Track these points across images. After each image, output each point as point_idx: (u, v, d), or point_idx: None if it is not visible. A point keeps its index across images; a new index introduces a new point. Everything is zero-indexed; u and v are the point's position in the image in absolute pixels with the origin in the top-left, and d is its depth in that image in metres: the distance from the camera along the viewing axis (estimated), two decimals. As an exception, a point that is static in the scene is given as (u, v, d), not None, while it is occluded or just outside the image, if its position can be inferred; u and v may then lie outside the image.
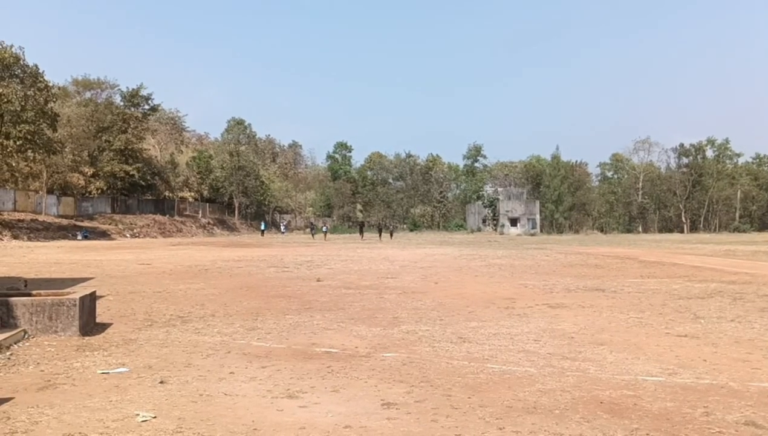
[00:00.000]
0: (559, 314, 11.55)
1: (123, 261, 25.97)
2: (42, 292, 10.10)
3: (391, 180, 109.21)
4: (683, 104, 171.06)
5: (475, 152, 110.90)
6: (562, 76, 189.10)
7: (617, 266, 23.71)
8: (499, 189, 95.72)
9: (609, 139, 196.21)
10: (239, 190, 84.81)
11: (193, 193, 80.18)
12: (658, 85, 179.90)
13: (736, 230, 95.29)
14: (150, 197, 73.06)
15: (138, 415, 5.29)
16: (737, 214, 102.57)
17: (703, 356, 7.92)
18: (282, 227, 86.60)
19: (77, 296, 9.36)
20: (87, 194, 62.36)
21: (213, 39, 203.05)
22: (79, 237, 50.47)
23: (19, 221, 48.90)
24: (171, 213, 72.69)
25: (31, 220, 50.74)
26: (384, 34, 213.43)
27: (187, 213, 78.11)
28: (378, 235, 59.74)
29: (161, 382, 6.49)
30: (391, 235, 58.93)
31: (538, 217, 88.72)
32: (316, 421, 5.23)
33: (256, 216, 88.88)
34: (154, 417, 5.26)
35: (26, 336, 8.82)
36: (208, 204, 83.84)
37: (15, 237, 44.59)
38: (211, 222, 79.27)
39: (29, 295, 9.73)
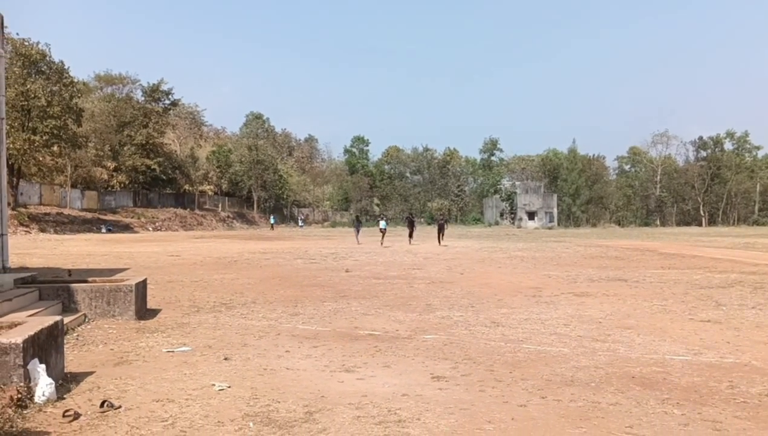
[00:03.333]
0: (585, 302, 12.02)
1: (152, 253, 26.70)
2: (97, 279, 10.74)
3: (408, 174, 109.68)
4: (702, 97, 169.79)
5: (492, 146, 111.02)
6: (580, 69, 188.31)
7: (637, 258, 24.06)
8: (517, 183, 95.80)
9: (627, 133, 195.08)
10: (258, 184, 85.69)
11: (212, 187, 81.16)
12: (677, 78, 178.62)
13: (756, 223, 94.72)
14: (170, 191, 74.13)
15: (214, 385, 5.87)
16: (756, 208, 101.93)
17: (726, 339, 8.38)
18: (300, 221, 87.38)
19: (132, 282, 9.99)
20: (109, 188, 63.50)
21: (230, 33, 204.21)
22: (104, 230, 51.49)
23: (45, 214, 49.99)
24: (191, 207, 73.71)
25: (57, 213, 51.82)
26: (401, 28, 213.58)
27: (207, 207, 79.14)
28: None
29: (225, 359, 7.07)
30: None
31: (555, 210, 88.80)
32: (375, 390, 5.78)
33: (275, 209, 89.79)
34: (229, 387, 5.84)
35: (87, 320, 9.45)
36: (227, 198, 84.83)
37: (42, 230, 45.63)
38: (231, 216, 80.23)
39: (85, 282, 10.38)
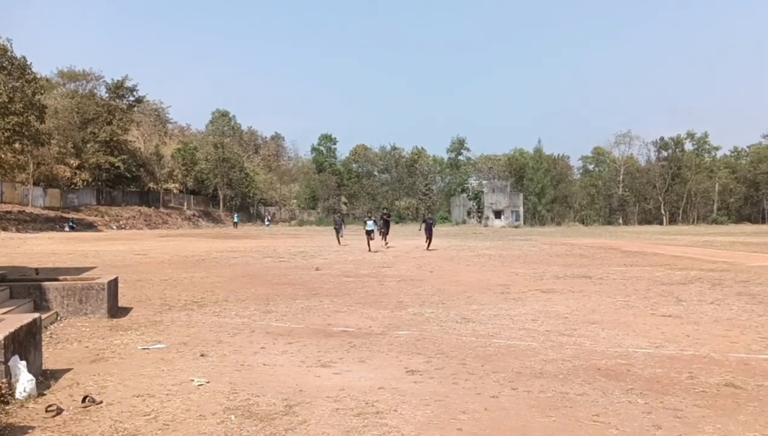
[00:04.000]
0: (552, 298, 12.34)
1: (118, 252, 26.40)
2: (68, 277, 10.67)
3: (376, 173, 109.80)
4: (664, 98, 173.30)
5: (459, 145, 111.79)
6: (545, 71, 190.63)
7: (601, 256, 24.62)
8: (483, 182, 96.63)
9: (590, 133, 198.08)
10: (224, 182, 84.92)
11: (177, 185, 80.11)
12: (639, 80, 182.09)
13: (714, 221, 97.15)
14: (135, 189, 73.05)
15: (193, 380, 5.96)
16: (715, 207, 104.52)
17: (686, 333, 8.73)
18: (266, 220, 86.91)
19: (104, 280, 9.97)
20: (73, 186, 62.30)
21: (196, 30, 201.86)
22: (67, 229, 50.58)
23: (6, 212, 48.89)
24: (156, 205, 72.76)
25: (19, 211, 50.73)
26: (368, 26, 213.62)
27: (172, 205, 78.17)
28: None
29: (202, 355, 7.16)
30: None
31: (521, 209, 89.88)
32: (352, 384, 5.94)
33: (241, 208, 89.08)
34: (208, 382, 5.94)
35: (59, 318, 9.41)
36: (192, 196, 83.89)
37: (4, 229, 44.64)
38: (196, 214, 79.41)
39: (57, 280, 10.31)
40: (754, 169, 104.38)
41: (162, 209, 72.66)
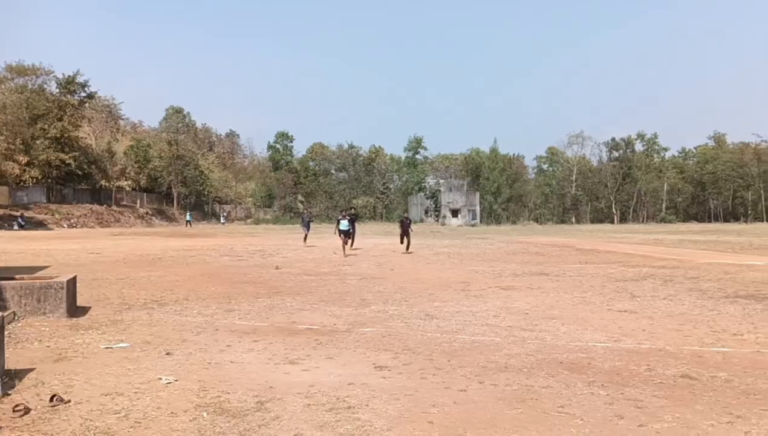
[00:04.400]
0: (511, 295, 12.59)
1: (71, 250, 25.80)
2: (25, 276, 10.41)
3: (333, 171, 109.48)
4: (615, 99, 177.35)
5: (416, 144, 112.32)
6: (501, 72, 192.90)
7: (557, 254, 25.14)
8: (441, 181, 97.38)
9: (545, 133, 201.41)
10: (178, 180, 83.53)
11: (130, 183, 78.46)
12: (592, 81, 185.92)
13: (663, 220, 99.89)
14: (86, 187, 71.24)
15: (161, 378, 5.92)
16: (664, 206, 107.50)
17: (642, 327, 9.04)
18: (222, 218, 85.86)
19: (63, 279, 9.77)
20: (21, 183, 60.48)
21: (149, 24, 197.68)
22: (16, 227, 49.08)
23: (-50, 210, 47.20)
24: (108, 203, 71.11)
25: (-37, 209, 49.01)
26: (324, 22, 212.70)
27: (125, 203, 76.52)
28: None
29: (167, 354, 7.10)
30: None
31: (478, 208, 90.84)
32: (321, 380, 5.98)
33: (196, 206, 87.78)
34: (176, 380, 5.90)
35: (17, 318, 9.18)
36: (146, 194, 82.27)
37: (-53, 227, 43.08)
38: (150, 212, 77.91)
39: (13, 279, 10.06)
40: (700, 170, 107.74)
41: (114, 207, 71.08)
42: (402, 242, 26.39)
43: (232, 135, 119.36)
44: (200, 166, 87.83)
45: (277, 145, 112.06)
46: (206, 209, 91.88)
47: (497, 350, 7.45)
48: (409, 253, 25.32)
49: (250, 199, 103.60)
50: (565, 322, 9.43)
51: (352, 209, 34.76)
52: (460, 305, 11.21)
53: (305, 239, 31.36)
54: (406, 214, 31.17)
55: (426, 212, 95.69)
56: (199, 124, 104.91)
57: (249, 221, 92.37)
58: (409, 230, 26.85)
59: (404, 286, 14.05)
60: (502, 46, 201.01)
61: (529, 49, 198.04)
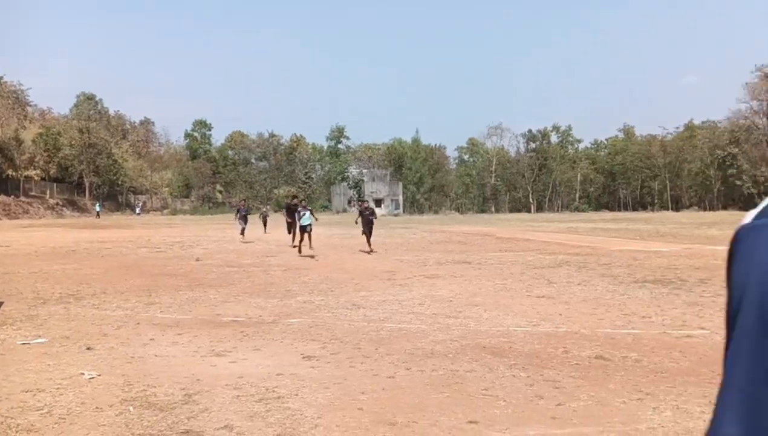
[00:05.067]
0: (436, 283, 12.85)
1: (-25, 244, 24.40)
2: (-74, 272, 9.81)
3: (253, 160, 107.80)
4: (532, 92, 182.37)
5: (339, 133, 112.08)
6: (422, 62, 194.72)
7: (478, 242, 25.77)
8: (364, 170, 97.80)
9: (466, 124, 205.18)
10: (90, 170, 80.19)
11: (39, 173, 74.72)
12: (511, 73, 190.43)
13: (577, 209, 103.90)
14: (-10, 177, 67.41)
15: (83, 374, 5.75)
16: (577, 195, 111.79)
17: (559, 312, 9.44)
18: (137, 209, 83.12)
19: (-31, 274, 9.26)
20: None
21: (58, 6, 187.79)
22: None
23: None
24: (16, 193, 67.51)
25: None
26: (242, 7, 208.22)
27: (34, 193, 72.88)
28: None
29: (88, 348, 6.88)
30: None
31: (401, 198, 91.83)
32: (249, 372, 5.96)
33: (109, 196, 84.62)
34: (99, 375, 5.75)
35: None
36: (56, 184, 78.57)
37: None
38: (60, 203, 74.57)
39: None
40: (611, 161, 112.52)
41: (22, 198, 67.60)
42: (366, 235, 21.00)
43: (146, 122, 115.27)
44: (113, 155, 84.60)
45: (195, 134, 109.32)
46: (120, 200, 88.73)
47: (423, 336, 7.62)
48: (371, 252, 20.25)
49: (167, 189, 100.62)
50: (488, 308, 9.73)
51: (294, 199, 26.95)
52: (386, 294, 11.36)
53: (242, 233, 27.17)
54: (365, 202, 23.44)
55: (349, 202, 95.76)
56: (112, 112, 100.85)
57: (166, 211, 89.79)
58: (372, 221, 21.21)
59: (330, 276, 14.09)
60: (421, 36, 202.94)
61: (449, 41, 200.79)
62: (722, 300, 4.21)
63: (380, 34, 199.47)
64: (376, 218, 22.03)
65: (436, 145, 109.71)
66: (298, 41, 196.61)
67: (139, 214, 79.42)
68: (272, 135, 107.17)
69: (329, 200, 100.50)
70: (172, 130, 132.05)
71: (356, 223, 22.35)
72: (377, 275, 14.18)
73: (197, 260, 18.18)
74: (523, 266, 16.20)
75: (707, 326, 8.22)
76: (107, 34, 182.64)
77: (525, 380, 5.75)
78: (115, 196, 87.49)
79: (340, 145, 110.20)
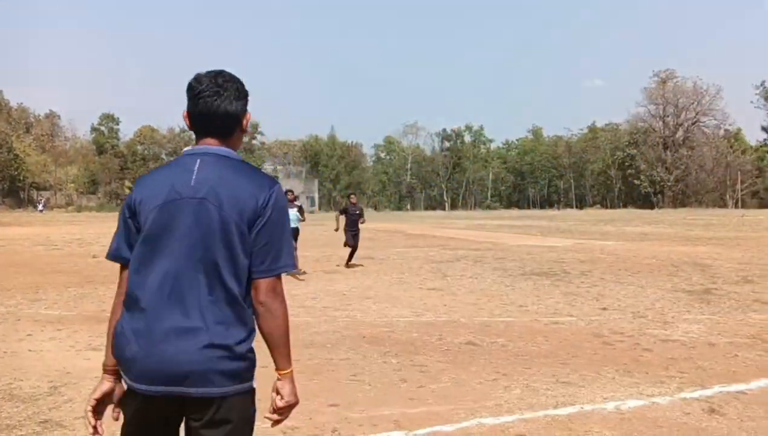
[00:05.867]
0: (334, 278, 13.10)
1: None
2: None
3: (164, 156, 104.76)
4: (447, 92, 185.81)
5: (253, 129, 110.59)
6: (340, 59, 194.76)
7: (386, 239, 26.24)
8: (279, 167, 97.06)
9: (383, 122, 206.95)
10: (-13, 164, 76.00)
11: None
12: (427, 73, 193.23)
13: (488, 207, 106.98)
14: None
15: (-54, 370, 5.61)
16: (489, 194, 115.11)
17: (445, 302, 9.87)
18: (40, 205, 79.32)
19: None
20: None
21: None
22: None
23: None
24: None
25: None
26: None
27: None
28: None
29: (-43, 346, 6.69)
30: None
31: (316, 195, 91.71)
32: (124, 364, 5.98)
33: (10, 193, 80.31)
34: (-37, 371, 5.63)
35: None
36: (-52, 179, 74.01)
37: None
38: (-47, 199, 70.18)
39: None
40: (520, 160, 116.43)
41: None
42: (349, 248, 15.60)
43: (52, 115, 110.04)
44: (15, 150, 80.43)
45: (102, 128, 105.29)
46: (22, 196, 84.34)
47: (307, 328, 7.82)
48: (352, 266, 15.28)
49: (72, 185, 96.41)
50: (378, 301, 10.04)
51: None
52: (280, 288, 11.47)
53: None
54: (352, 195, 17.12)
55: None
56: (14, 104, 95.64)
57: (70, 208, 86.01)
58: (358, 225, 15.77)
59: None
60: (337, 34, 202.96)
61: (365, 39, 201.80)
62: (596, 290, 4.80)
63: (296, 28, 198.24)
64: (363, 221, 15.86)
65: (352, 142, 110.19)
66: (210, 33, 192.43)
67: (41, 211, 75.76)
68: (183, 130, 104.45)
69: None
70: (79, 124, 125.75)
71: (336, 230, 16.11)
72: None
73: (94, 256, 17.67)
74: (423, 260, 16.68)
75: (575, 314, 8.83)
76: (7, 23, 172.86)
77: (394, 366, 6.06)
78: (17, 192, 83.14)
79: (254, 141, 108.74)
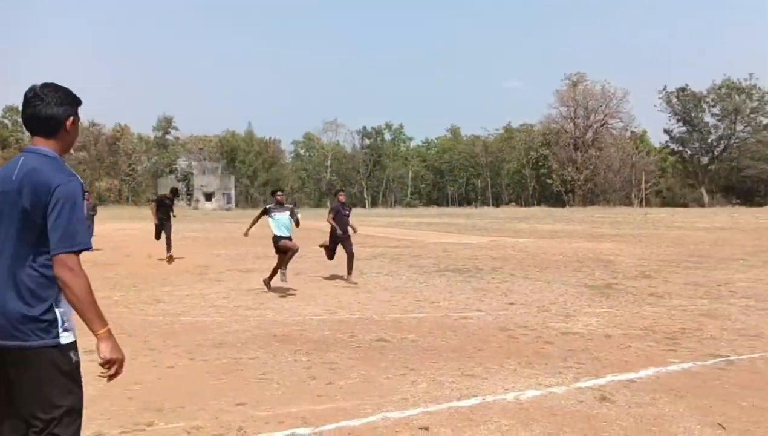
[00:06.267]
0: (248, 277, 12.95)
1: None
2: None
3: (72, 151, 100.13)
4: (368, 90, 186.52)
5: (167, 124, 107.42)
6: (256, 55, 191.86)
7: (303, 237, 26.01)
8: (194, 163, 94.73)
9: (302, 118, 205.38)
10: None
11: None
12: (347, 72, 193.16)
13: (408, 205, 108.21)
14: None
15: None
16: (409, 192, 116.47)
17: (359, 300, 9.94)
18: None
19: None
20: None
21: None
22: None
23: None
24: None
25: None
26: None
27: None
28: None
29: None
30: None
31: (233, 192, 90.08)
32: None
33: None
34: None
35: None
36: None
37: None
38: None
39: None
40: (439, 159, 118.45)
41: None
42: (329, 255, 13.17)
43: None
44: None
45: (5, 121, 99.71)
46: None
47: (217, 328, 7.72)
48: (349, 279, 12.30)
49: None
50: (291, 299, 10.01)
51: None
52: (192, 288, 11.26)
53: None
54: (341, 193, 13.64)
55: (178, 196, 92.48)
56: None
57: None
58: (348, 229, 12.83)
59: (138, 271, 13.66)
60: (258, 30, 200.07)
61: (285, 36, 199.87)
62: (506, 286, 4.94)
63: (212, 21, 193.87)
64: (349, 213, 12.94)
65: (270, 138, 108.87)
66: (124, 26, 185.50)
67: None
68: (93, 123, 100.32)
69: (155, 194, 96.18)
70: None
71: (335, 237, 12.73)
72: (189, 270, 13.97)
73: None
74: (339, 258, 16.68)
75: (484, 309, 9.10)
76: None
77: (304, 364, 6.07)
78: None
79: (168, 136, 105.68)
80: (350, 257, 12.49)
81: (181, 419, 4.55)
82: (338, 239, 12.68)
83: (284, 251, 10.97)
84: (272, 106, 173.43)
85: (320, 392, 5.19)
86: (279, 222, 11.04)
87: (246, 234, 11.75)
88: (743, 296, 10.14)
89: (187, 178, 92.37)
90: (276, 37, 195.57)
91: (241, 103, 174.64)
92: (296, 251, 11.09)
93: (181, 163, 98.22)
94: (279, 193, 11.42)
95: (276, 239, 11.07)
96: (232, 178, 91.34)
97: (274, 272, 11.10)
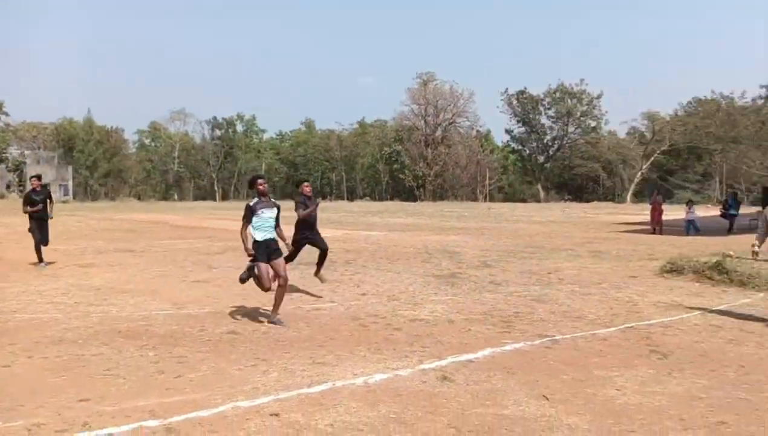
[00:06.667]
0: (89, 272, 12.28)
1: None
2: None
3: None
4: (218, 80, 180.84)
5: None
6: (98, 39, 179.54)
7: (149, 230, 25.01)
8: (27, 152, 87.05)
9: (147, 107, 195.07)
10: None
11: None
12: (195, 59, 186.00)
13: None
14: None
15: None
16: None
17: (209, 294, 9.80)
18: None
19: None
20: None
21: None
22: None
23: None
24: None
25: None
26: None
27: None
28: None
29: None
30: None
31: (71, 183, 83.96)
32: None
33: None
34: None
35: None
36: None
37: None
38: None
39: None
40: (294, 152, 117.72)
41: None
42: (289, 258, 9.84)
43: None
44: None
45: None
46: None
47: (56, 325, 7.32)
48: (319, 275, 10.42)
49: None
50: (136, 295, 9.65)
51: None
52: (28, 285, 10.52)
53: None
54: (306, 184, 10.28)
55: (8, 187, 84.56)
56: None
57: None
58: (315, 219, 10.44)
59: (-39, 268, 12.49)
60: (96, 11, 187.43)
61: (128, 16, 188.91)
62: (358, 277, 5.13)
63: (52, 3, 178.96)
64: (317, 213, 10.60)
65: (112, 127, 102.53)
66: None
67: None
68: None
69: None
70: None
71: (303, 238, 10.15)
72: (23, 267, 12.99)
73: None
74: (188, 252, 16.26)
75: (337, 300, 9.34)
76: None
77: (152, 359, 5.94)
78: None
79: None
80: (324, 253, 10.29)
81: (21, 417, 4.34)
82: (308, 238, 10.13)
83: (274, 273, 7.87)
84: (114, 93, 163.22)
85: (169, 386, 5.13)
86: (265, 223, 7.85)
87: (249, 253, 7.95)
88: (569, 283, 11.17)
89: (19, 167, 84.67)
90: (121, 18, 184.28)
91: (80, 90, 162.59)
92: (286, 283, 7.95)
93: (13, 151, 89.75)
94: (260, 180, 8.01)
95: (260, 249, 7.82)
96: (70, 168, 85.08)
97: (275, 307, 7.91)
